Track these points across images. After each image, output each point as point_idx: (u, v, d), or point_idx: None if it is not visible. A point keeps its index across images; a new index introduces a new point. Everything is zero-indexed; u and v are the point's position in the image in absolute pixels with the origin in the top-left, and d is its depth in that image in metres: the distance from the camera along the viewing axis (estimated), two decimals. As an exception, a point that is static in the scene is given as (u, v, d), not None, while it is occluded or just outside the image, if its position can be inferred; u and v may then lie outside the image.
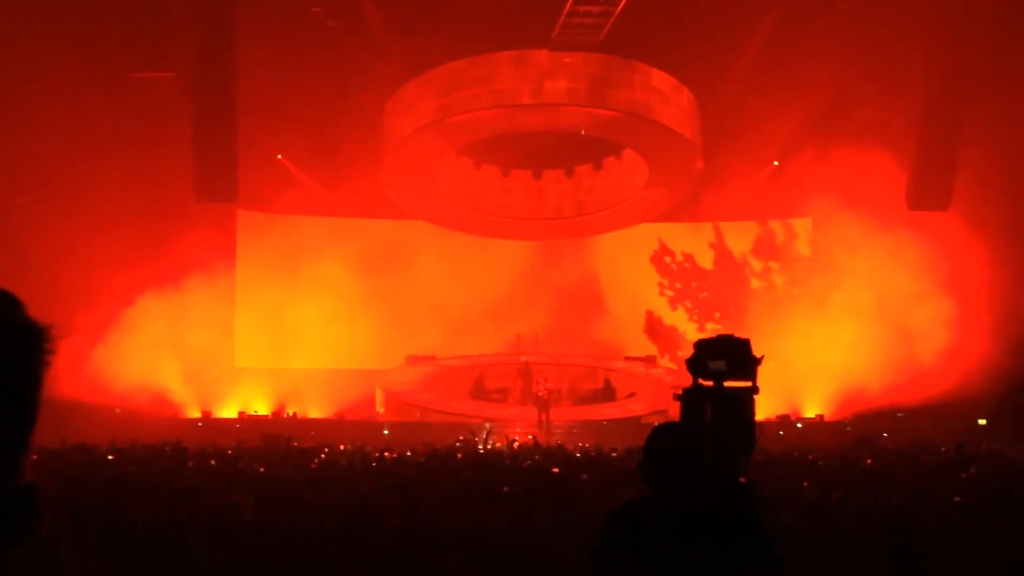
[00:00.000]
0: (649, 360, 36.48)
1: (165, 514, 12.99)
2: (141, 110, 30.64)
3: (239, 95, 30.23)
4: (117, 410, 28.78)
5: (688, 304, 38.08)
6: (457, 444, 25.55)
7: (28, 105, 27.28)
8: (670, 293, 38.35)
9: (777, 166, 34.08)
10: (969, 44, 29.28)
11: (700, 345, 5.73)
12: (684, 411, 5.78)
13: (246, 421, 31.17)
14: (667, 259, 38.52)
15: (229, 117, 30.36)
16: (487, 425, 29.98)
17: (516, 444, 25.91)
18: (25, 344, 1.56)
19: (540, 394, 30.87)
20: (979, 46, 29.03)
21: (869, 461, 20.49)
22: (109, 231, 29.58)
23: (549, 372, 32.45)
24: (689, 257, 38.52)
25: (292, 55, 29.98)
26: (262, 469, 18.63)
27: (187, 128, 30.17)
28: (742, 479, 5.77)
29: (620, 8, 26.57)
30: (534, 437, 26.71)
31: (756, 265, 37.55)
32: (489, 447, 25.10)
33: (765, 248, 37.41)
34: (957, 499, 13.70)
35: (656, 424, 4.94)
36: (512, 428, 28.76)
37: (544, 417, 30.37)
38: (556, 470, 18.27)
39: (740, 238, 38.04)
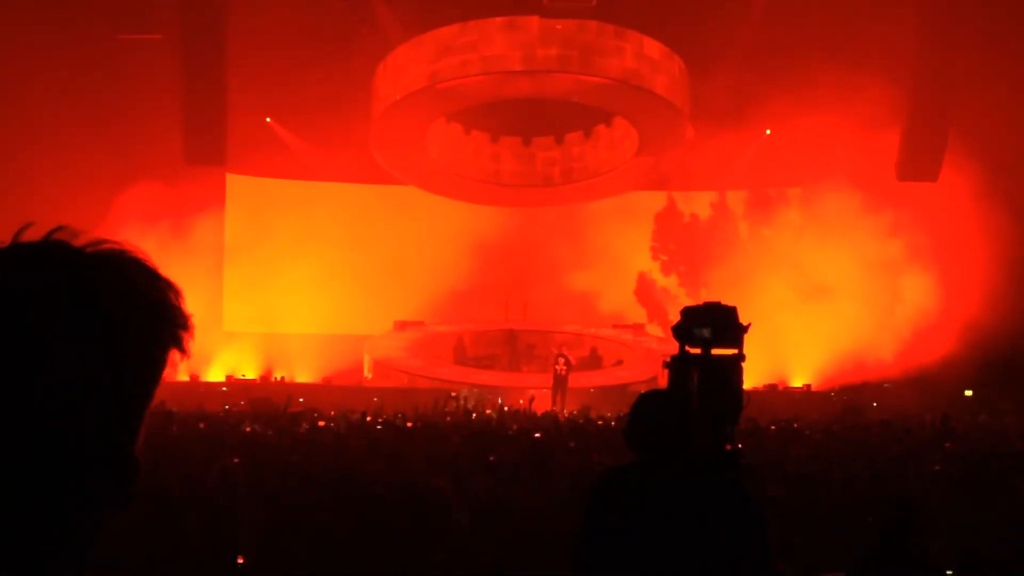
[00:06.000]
0: (638, 328, 36.47)
1: (152, 477, 13.01)
2: (130, 73, 30.56)
3: (229, 57, 30.22)
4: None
5: (677, 272, 38.06)
6: (447, 411, 25.61)
7: (9, 67, 27.21)
8: (662, 258, 38.36)
9: (769, 135, 34.00)
10: (961, 14, 29.30)
11: (687, 312, 5.74)
12: (671, 378, 5.79)
13: (234, 385, 31.19)
14: (659, 226, 38.50)
15: (218, 79, 30.34)
16: (474, 391, 30.00)
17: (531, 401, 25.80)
18: (171, 327, 1.66)
19: (560, 371, 29.78)
20: (971, 16, 29.02)
21: (853, 430, 20.61)
22: (97, 194, 29.53)
23: (570, 349, 31.58)
24: (678, 225, 38.49)
25: (281, 17, 29.90)
26: (249, 430, 18.66)
27: (177, 91, 30.16)
28: (728, 447, 5.79)
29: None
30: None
31: (746, 234, 37.50)
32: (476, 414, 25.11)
33: (755, 217, 37.36)
34: (937, 467, 13.79)
35: (642, 391, 4.94)
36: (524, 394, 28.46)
37: (560, 397, 29.22)
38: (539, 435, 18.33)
39: (730, 207, 37.98)
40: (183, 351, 1.66)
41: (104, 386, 1.55)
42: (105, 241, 1.59)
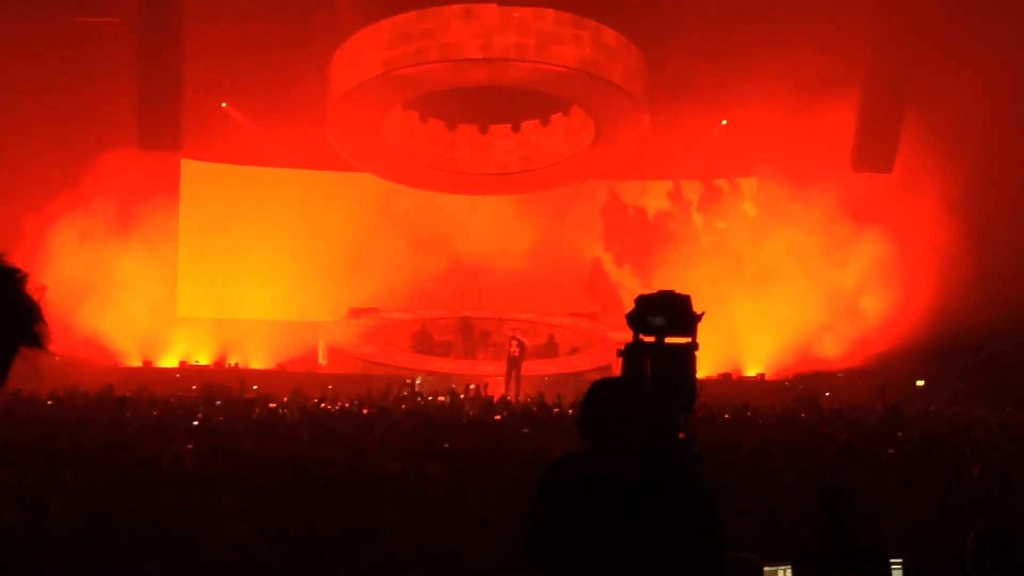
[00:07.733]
0: (593, 316, 36.51)
1: (105, 464, 12.92)
2: (85, 55, 30.38)
3: (185, 42, 30.07)
4: (56, 357, 28.53)
5: (632, 260, 38.11)
6: (403, 395, 25.59)
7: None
8: (615, 249, 38.44)
9: (725, 125, 34.12)
10: (916, 4, 29.51)
11: (641, 300, 5.74)
12: (624, 366, 5.79)
13: (187, 371, 31.04)
14: (613, 215, 38.56)
15: (174, 64, 30.17)
16: (428, 378, 29.99)
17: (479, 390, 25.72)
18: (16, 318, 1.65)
19: (513, 352, 29.85)
20: (926, 7, 29.23)
21: (806, 419, 20.75)
22: (52, 177, 29.33)
23: (524, 333, 31.67)
24: (634, 214, 38.56)
25: (239, 2, 29.81)
26: (200, 416, 18.57)
27: (132, 74, 29.98)
28: (681, 435, 5.80)
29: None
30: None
31: (701, 223, 37.63)
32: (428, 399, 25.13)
33: (710, 206, 37.48)
34: (891, 451, 13.91)
35: (596, 379, 4.93)
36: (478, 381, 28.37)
37: (514, 380, 29.36)
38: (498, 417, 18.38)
39: (685, 196, 38.10)
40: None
41: None
42: None
